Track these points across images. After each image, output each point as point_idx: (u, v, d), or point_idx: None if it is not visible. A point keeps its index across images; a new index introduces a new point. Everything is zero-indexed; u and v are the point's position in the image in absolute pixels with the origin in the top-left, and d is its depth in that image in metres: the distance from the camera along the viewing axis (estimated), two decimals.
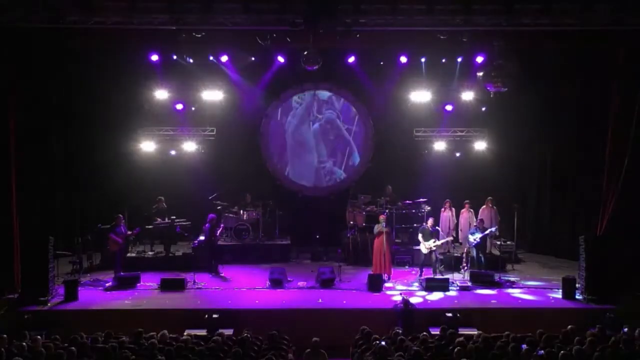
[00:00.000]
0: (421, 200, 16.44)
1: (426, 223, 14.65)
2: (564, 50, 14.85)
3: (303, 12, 12.46)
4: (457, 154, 16.93)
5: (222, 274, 14.58)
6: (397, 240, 16.09)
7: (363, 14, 12.74)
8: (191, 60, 15.14)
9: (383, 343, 8.99)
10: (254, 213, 16.67)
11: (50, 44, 13.89)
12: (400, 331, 10.23)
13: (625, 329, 9.95)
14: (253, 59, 15.88)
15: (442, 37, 13.55)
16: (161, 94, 15.62)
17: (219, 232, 15.07)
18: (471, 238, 14.53)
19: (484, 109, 16.15)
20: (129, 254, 15.28)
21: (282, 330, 10.22)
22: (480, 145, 16.61)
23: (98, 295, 13.10)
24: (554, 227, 16.82)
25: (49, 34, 13.16)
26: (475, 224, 15.26)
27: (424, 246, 14.30)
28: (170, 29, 13.27)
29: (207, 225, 14.73)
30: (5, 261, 12.89)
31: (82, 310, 12.16)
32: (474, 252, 14.57)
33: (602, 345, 8.59)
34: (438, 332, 10.24)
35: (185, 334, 10.44)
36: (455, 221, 15.95)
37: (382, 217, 14.37)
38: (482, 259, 14.50)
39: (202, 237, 15.29)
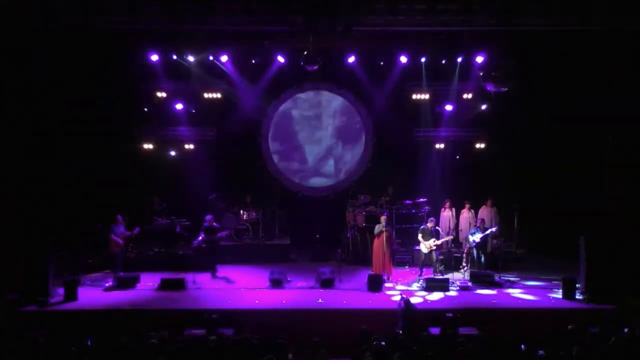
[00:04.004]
0: (421, 200, 16.45)
1: (427, 224, 14.65)
2: (564, 50, 14.86)
3: (303, 12, 12.47)
4: (457, 154, 16.93)
5: (218, 275, 14.54)
6: (397, 240, 16.10)
7: (363, 14, 12.76)
8: (191, 60, 15.16)
9: (383, 343, 8.99)
10: (254, 213, 16.67)
11: (50, 44, 13.89)
12: (400, 331, 10.23)
13: (625, 329, 9.94)
14: (253, 61, 15.93)
15: (442, 37, 13.57)
16: (161, 94, 15.62)
17: (222, 234, 15.05)
18: (471, 238, 14.52)
19: (484, 107, 16.15)
20: (129, 254, 15.26)
21: (282, 330, 10.22)
22: (480, 145, 16.61)
23: (98, 295, 13.10)
24: (554, 227, 16.81)
25: (49, 34, 13.16)
26: (475, 224, 15.26)
27: (424, 246, 14.31)
28: (170, 29, 13.28)
29: (205, 224, 14.70)
30: (5, 261, 12.89)
31: (82, 310, 12.15)
32: (474, 252, 14.57)
33: (602, 345, 8.59)
34: (438, 332, 10.25)
35: (185, 334, 10.45)
36: (455, 221, 15.95)
37: (383, 218, 14.36)
38: (483, 258, 14.50)
39: (199, 238, 15.22)
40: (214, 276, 14.41)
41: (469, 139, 16.77)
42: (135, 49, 14.81)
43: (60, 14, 12.40)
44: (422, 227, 14.72)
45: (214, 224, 14.75)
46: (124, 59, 15.30)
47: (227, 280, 14.33)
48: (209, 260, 14.64)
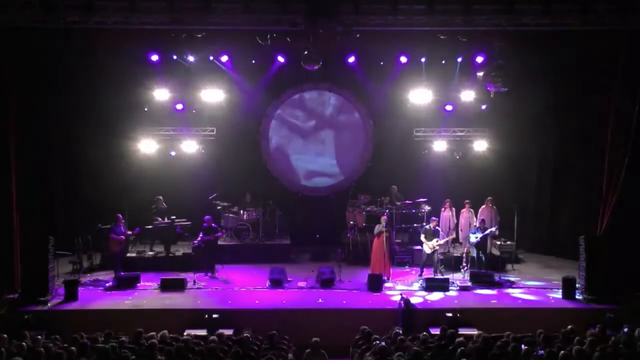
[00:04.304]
0: (421, 200, 16.46)
1: (428, 224, 14.64)
2: (564, 50, 14.85)
3: (303, 12, 12.46)
4: (457, 154, 16.93)
5: (216, 275, 14.49)
6: (397, 240, 16.10)
7: (363, 14, 12.75)
8: (191, 60, 15.14)
9: (383, 343, 9.00)
10: (254, 213, 16.66)
11: (51, 44, 13.88)
12: (400, 331, 10.23)
13: (625, 329, 9.95)
14: (254, 61, 15.92)
15: (442, 37, 13.56)
16: (161, 94, 15.62)
17: (219, 235, 14.97)
18: (472, 238, 14.52)
19: (484, 107, 16.14)
20: (129, 254, 15.26)
21: (282, 330, 10.23)
22: (480, 145, 16.60)
23: (98, 295, 13.09)
24: (554, 227, 16.81)
25: (49, 34, 13.15)
26: (475, 224, 15.27)
27: (427, 246, 14.29)
28: (170, 28, 13.27)
29: (204, 224, 14.67)
30: (5, 261, 12.89)
31: (82, 310, 12.16)
32: (474, 252, 14.58)
33: (602, 345, 8.59)
34: (438, 332, 10.24)
35: (185, 334, 10.45)
36: (455, 221, 15.94)
37: (383, 218, 14.37)
38: (483, 258, 14.50)
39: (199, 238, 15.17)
40: (212, 276, 14.39)
41: (469, 139, 16.77)
42: (135, 49, 14.79)
43: (60, 13, 12.37)
44: (424, 227, 14.72)
45: (213, 224, 14.75)
46: (124, 59, 15.29)
47: (226, 280, 14.29)
48: (207, 260, 14.61)
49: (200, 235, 14.57)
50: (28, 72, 13.90)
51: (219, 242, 15.58)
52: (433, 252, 14.32)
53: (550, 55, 15.39)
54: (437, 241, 14.29)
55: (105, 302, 12.64)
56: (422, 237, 14.44)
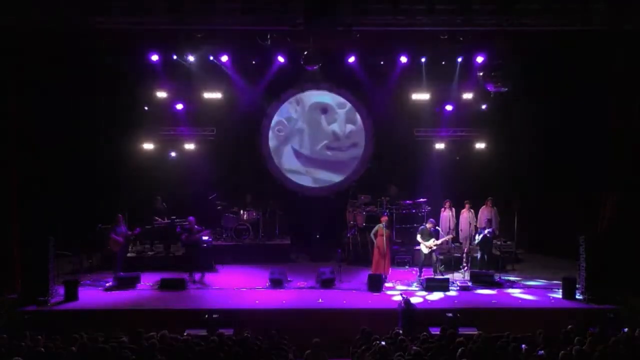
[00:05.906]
0: (421, 200, 16.45)
1: (425, 224, 14.64)
2: (564, 50, 14.85)
3: (303, 12, 12.46)
4: (457, 155, 16.93)
5: (203, 280, 14.26)
6: (397, 240, 16.09)
7: (363, 14, 12.75)
8: (191, 60, 15.14)
9: (383, 343, 9.00)
10: (254, 213, 16.66)
11: (51, 44, 13.88)
12: (400, 331, 10.24)
13: (625, 329, 9.95)
14: (254, 61, 15.93)
15: (442, 37, 13.57)
16: (161, 94, 15.62)
17: (203, 234, 14.76)
18: (478, 238, 14.54)
19: (484, 107, 16.14)
20: (129, 254, 15.25)
21: (282, 330, 10.23)
22: (480, 145, 16.61)
23: (98, 295, 13.10)
24: (554, 227, 16.80)
25: (49, 34, 13.16)
26: (475, 223, 15.30)
27: (424, 246, 14.30)
28: (170, 28, 13.28)
29: (186, 225, 14.60)
30: (5, 261, 12.89)
31: (82, 310, 12.16)
32: (478, 252, 14.57)
33: (602, 345, 8.60)
34: (438, 332, 10.25)
35: (185, 334, 10.45)
36: (455, 221, 15.94)
37: (383, 219, 14.36)
38: (486, 258, 14.50)
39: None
40: (191, 279, 14.08)
41: (469, 139, 16.77)
42: (135, 49, 14.80)
43: (61, 14, 12.37)
44: (420, 227, 14.71)
45: (196, 226, 14.59)
46: (124, 59, 15.29)
47: (203, 283, 14.05)
48: (193, 261, 14.48)
49: (184, 237, 14.56)
50: (28, 72, 13.89)
51: (221, 242, 15.55)
52: (430, 252, 14.32)
53: (550, 56, 15.38)
54: (433, 241, 14.29)
55: (105, 302, 12.64)
56: (419, 237, 14.44)
